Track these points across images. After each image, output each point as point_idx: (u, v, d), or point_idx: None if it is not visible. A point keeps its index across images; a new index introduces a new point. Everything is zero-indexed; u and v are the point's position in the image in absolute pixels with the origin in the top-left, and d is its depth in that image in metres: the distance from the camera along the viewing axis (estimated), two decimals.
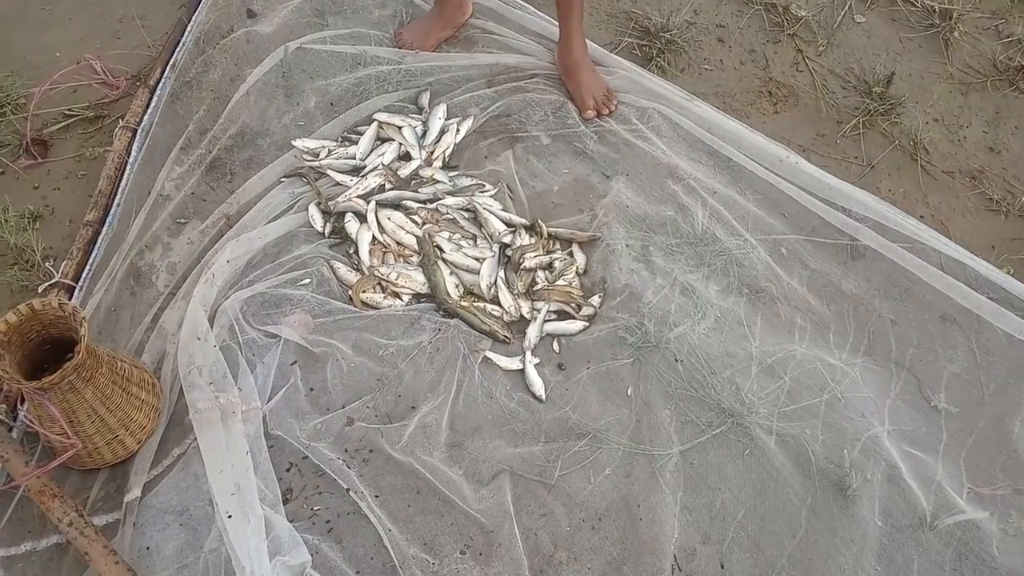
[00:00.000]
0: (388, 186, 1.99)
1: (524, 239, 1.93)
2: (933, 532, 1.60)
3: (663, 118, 2.15)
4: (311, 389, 1.68)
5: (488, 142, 2.11)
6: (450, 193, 1.99)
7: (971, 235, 2.07)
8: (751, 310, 1.85)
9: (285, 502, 1.53)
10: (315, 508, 1.54)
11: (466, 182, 2.02)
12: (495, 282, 1.86)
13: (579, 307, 1.85)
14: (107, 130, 2.09)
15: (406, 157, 2.07)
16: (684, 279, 1.86)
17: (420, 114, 2.13)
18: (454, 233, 1.94)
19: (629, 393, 1.72)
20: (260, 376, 1.66)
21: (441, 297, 1.82)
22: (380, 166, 2.01)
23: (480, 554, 1.51)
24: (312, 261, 1.84)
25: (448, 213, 1.96)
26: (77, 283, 1.79)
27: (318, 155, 2.03)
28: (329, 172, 2.00)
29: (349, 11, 2.32)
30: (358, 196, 1.95)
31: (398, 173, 2.02)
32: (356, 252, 1.89)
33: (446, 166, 2.07)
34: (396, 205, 1.97)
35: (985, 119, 2.32)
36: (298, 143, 2.03)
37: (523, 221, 1.96)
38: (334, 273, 1.85)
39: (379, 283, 1.84)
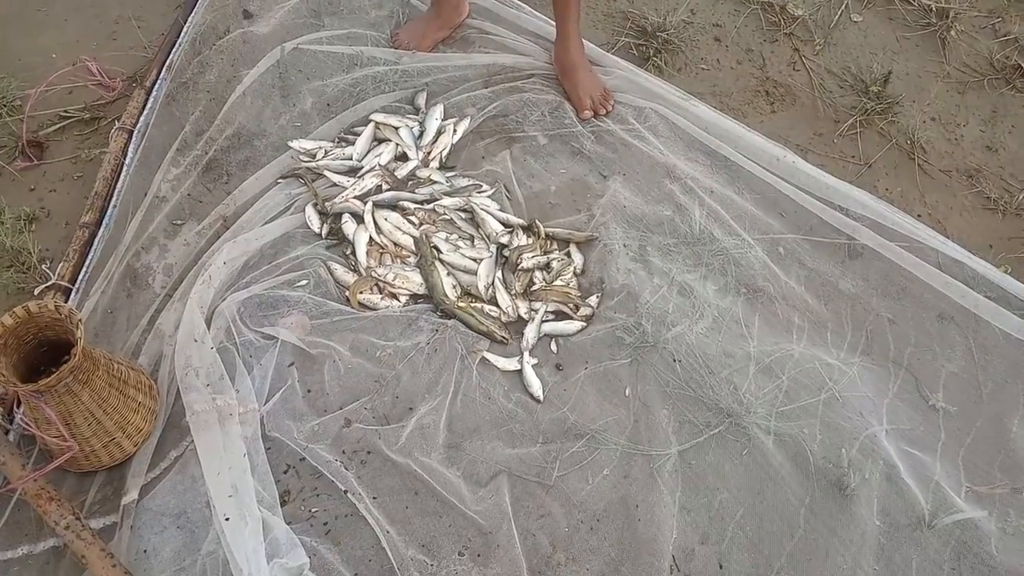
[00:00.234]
0: (385, 187, 1.99)
1: (521, 239, 1.92)
2: (931, 531, 1.60)
3: (660, 118, 2.15)
4: (308, 391, 1.68)
5: (485, 142, 2.11)
6: (447, 194, 1.99)
7: (968, 234, 2.07)
8: (749, 310, 1.85)
9: (283, 504, 1.53)
10: (313, 510, 1.54)
11: (463, 182, 2.02)
12: (493, 283, 1.85)
13: (577, 307, 1.85)
14: (103, 132, 2.09)
15: (403, 158, 2.06)
16: (682, 279, 1.86)
17: (417, 114, 2.13)
18: (451, 234, 1.94)
19: (627, 393, 1.72)
20: (257, 378, 1.66)
21: (439, 298, 1.82)
22: (377, 167, 2.01)
23: (478, 555, 1.51)
24: (309, 262, 1.84)
25: (445, 214, 1.96)
26: (74, 285, 1.79)
27: (315, 156, 2.02)
28: (326, 173, 2.00)
29: (345, 12, 2.32)
30: (355, 197, 1.95)
31: (395, 174, 2.01)
32: (353, 253, 1.88)
33: (443, 167, 2.06)
34: (393, 206, 1.96)
35: (982, 118, 2.32)
36: (295, 144, 2.03)
37: (520, 221, 1.95)
38: (331, 274, 1.85)
39: (376, 284, 1.84)
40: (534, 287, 1.87)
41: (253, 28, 2.24)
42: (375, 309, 1.81)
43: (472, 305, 1.82)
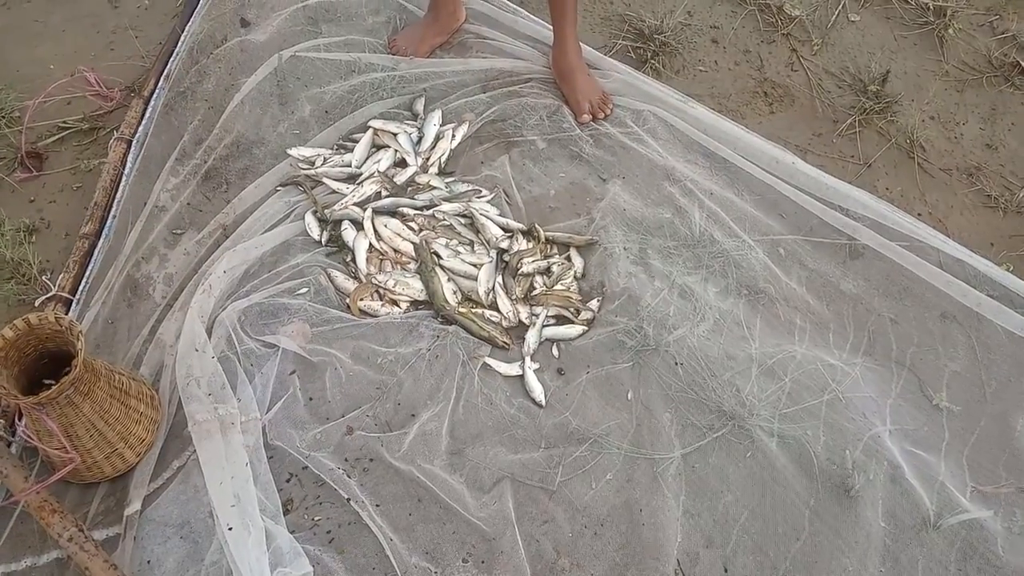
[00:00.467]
0: (384, 193, 1.99)
1: (521, 244, 1.92)
2: (937, 532, 1.59)
3: (659, 120, 2.14)
4: (310, 399, 1.68)
5: (484, 147, 2.11)
6: (446, 199, 1.99)
7: (969, 232, 2.07)
8: (750, 311, 1.84)
9: (286, 513, 1.52)
10: (316, 518, 1.54)
11: (462, 188, 2.02)
12: (493, 288, 1.85)
13: (578, 311, 1.85)
14: (102, 142, 2.09)
15: (402, 164, 2.06)
16: (682, 281, 1.86)
17: (415, 120, 2.13)
18: (451, 239, 1.94)
19: (629, 397, 1.71)
20: (259, 386, 1.65)
21: (439, 304, 1.82)
22: (376, 173, 2.01)
23: (482, 562, 1.50)
24: (309, 270, 1.84)
25: (445, 219, 1.96)
26: (74, 296, 1.79)
27: (314, 163, 2.03)
28: (325, 180, 2.00)
29: (343, 18, 2.32)
30: (354, 204, 1.95)
31: (394, 180, 2.01)
32: (353, 260, 1.88)
33: (442, 172, 2.06)
34: (393, 212, 1.96)
35: (981, 116, 2.32)
36: (293, 152, 2.03)
37: (520, 226, 1.95)
38: (331, 281, 1.84)
39: (377, 291, 1.84)
40: (535, 292, 1.87)
41: (251, 36, 2.24)
42: (376, 316, 1.80)
43: (473, 311, 1.82)
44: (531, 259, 1.89)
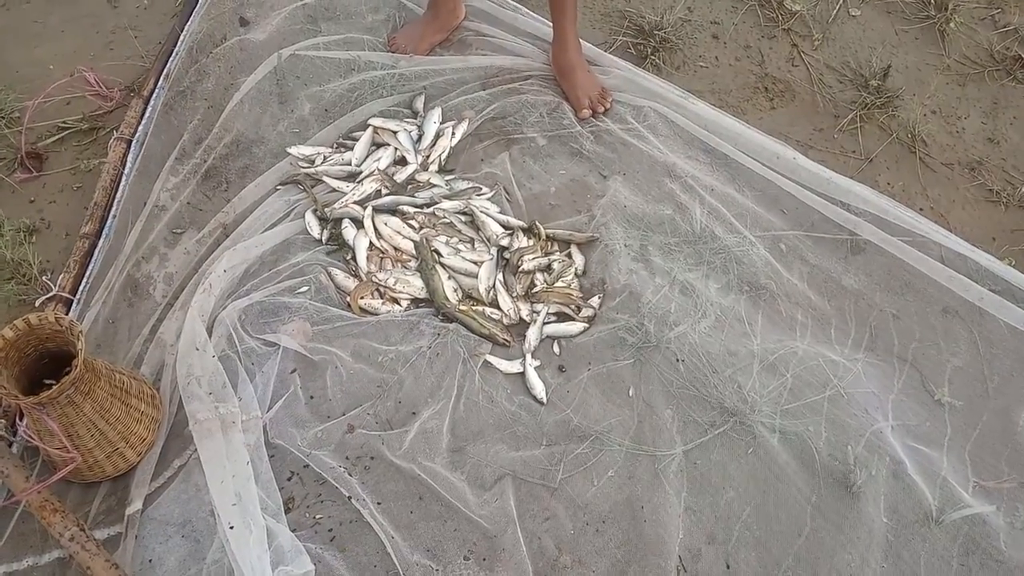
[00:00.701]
0: (384, 191, 1.99)
1: (522, 241, 1.92)
2: (939, 527, 1.59)
3: (659, 116, 2.14)
4: (311, 397, 1.68)
5: (484, 145, 2.10)
6: (447, 197, 1.98)
7: (971, 227, 2.06)
8: (751, 307, 1.84)
9: (287, 511, 1.53)
10: (317, 517, 1.54)
11: (463, 185, 2.01)
12: (494, 285, 1.85)
13: (579, 308, 1.84)
14: (102, 142, 2.09)
15: (402, 162, 2.06)
16: (683, 278, 1.86)
17: (415, 118, 2.12)
18: (452, 237, 1.93)
19: (631, 394, 1.71)
20: (260, 385, 1.65)
21: (440, 301, 1.81)
22: (376, 171, 2.01)
23: (484, 559, 1.50)
24: (310, 268, 1.84)
25: (445, 217, 1.96)
26: (75, 296, 1.79)
27: (313, 162, 2.02)
28: (325, 179, 2.00)
29: (342, 16, 2.32)
30: (354, 202, 1.94)
31: (394, 178, 2.01)
32: (354, 258, 1.88)
33: (442, 170, 2.06)
34: (393, 210, 1.96)
35: (983, 110, 2.31)
36: (293, 150, 2.03)
37: (521, 223, 1.95)
38: (332, 280, 1.84)
39: (377, 289, 1.84)
40: (535, 289, 1.87)
41: (250, 35, 2.24)
42: (376, 314, 1.80)
43: (474, 308, 1.82)
44: (532, 256, 1.89)
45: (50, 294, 1.77)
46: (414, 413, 1.66)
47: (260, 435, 1.59)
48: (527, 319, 1.82)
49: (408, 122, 2.10)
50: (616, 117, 2.15)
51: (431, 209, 1.97)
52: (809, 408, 1.70)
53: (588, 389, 1.72)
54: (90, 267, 1.84)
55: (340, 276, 1.85)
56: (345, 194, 1.96)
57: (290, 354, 1.71)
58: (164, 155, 2.02)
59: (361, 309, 1.81)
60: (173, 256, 1.87)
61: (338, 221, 1.93)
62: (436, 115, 2.09)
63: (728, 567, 1.54)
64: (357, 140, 2.07)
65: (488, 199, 1.99)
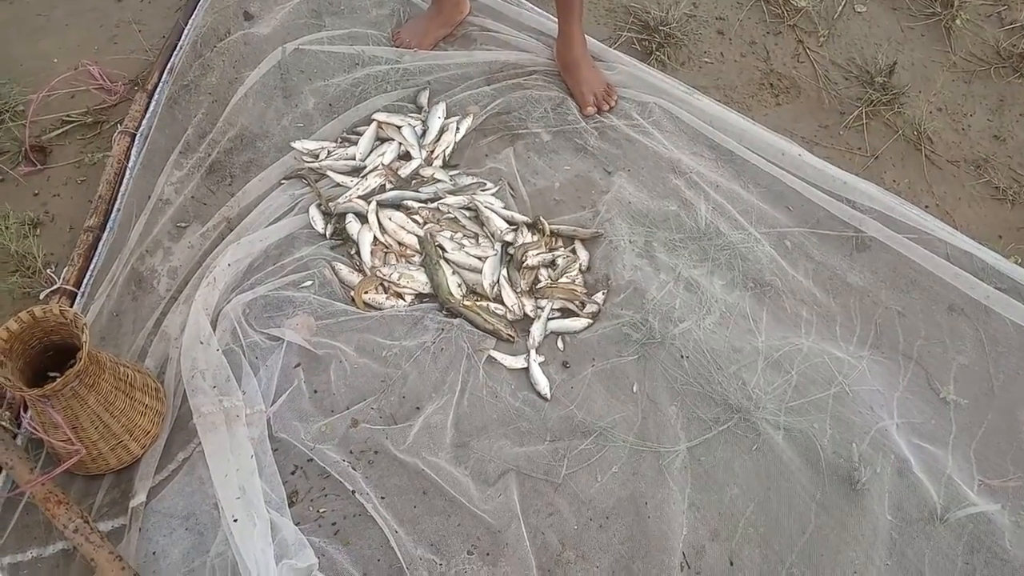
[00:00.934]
0: (389, 186, 1.98)
1: (526, 237, 1.91)
2: (944, 525, 1.58)
3: (664, 112, 2.13)
4: (315, 391, 1.67)
5: (488, 140, 2.10)
6: (451, 192, 1.98)
7: (977, 224, 2.05)
8: (756, 304, 1.83)
9: (291, 505, 1.53)
10: (321, 510, 1.54)
11: (467, 181, 2.01)
12: (498, 281, 1.85)
13: (583, 304, 1.84)
14: (106, 135, 2.09)
15: (406, 157, 2.06)
16: (688, 274, 1.85)
17: (419, 113, 2.12)
18: (456, 232, 1.93)
19: (635, 390, 1.71)
20: (263, 379, 1.65)
21: (444, 297, 1.81)
22: (380, 166, 2.00)
23: (487, 554, 1.50)
24: (314, 263, 1.84)
25: (449, 212, 1.95)
26: (79, 289, 1.79)
27: (318, 156, 2.02)
28: (329, 173, 1.99)
29: (346, 11, 2.31)
30: (359, 197, 1.94)
31: (398, 173, 2.01)
32: (358, 253, 1.88)
33: (446, 165, 2.05)
34: (397, 205, 1.96)
35: (989, 107, 2.30)
36: (297, 145, 2.02)
37: (525, 219, 1.95)
38: (336, 274, 1.84)
39: (381, 284, 1.84)
40: (539, 285, 1.86)
41: (254, 29, 2.24)
42: (380, 309, 1.80)
43: (478, 303, 1.82)
44: (536, 252, 1.88)
45: (54, 287, 1.77)
46: (418, 408, 1.66)
47: (264, 429, 1.59)
48: (531, 315, 1.82)
49: (412, 117, 2.10)
50: (621, 113, 2.14)
51: (435, 204, 1.96)
52: (814, 405, 1.69)
53: (592, 385, 1.71)
54: (94, 260, 1.84)
55: (344, 271, 1.85)
56: (349, 189, 1.96)
57: (294, 348, 1.71)
58: (168, 149, 2.02)
59: (365, 304, 1.80)
60: (177, 250, 1.87)
61: (342, 216, 1.93)
62: (440, 110, 2.09)
63: (732, 564, 1.53)
64: (361, 135, 2.06)
65: (492, 194, 1.99)
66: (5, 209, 1.93)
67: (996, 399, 1.75)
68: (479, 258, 1.87)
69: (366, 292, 1.81)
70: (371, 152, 2.05)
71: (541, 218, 1.94)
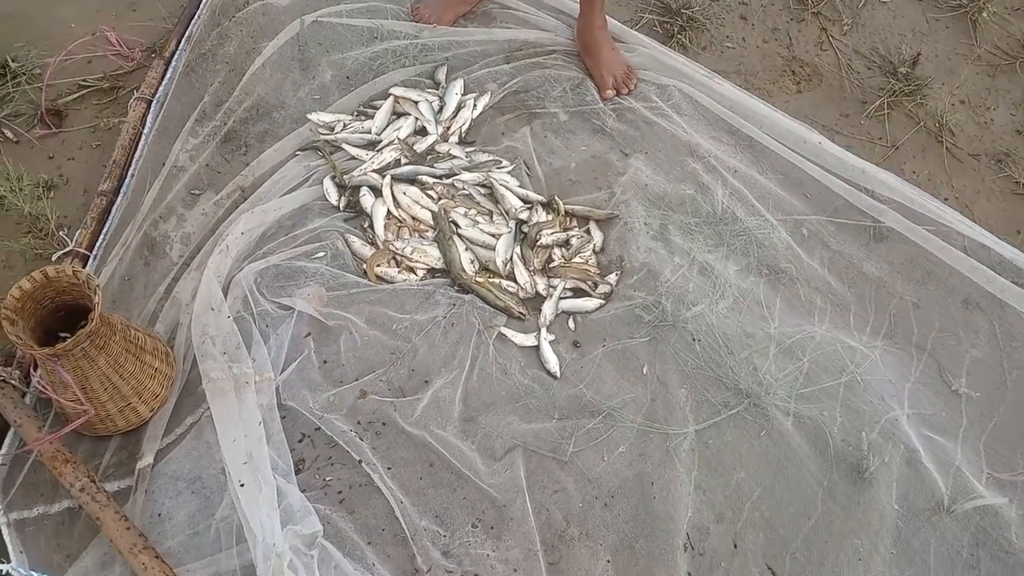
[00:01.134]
0: (404, 161, 1.97)
1: (541, 216, 1.90)
2: (951, 516, 1.57)
3: (684, 96, 2.11)
4: (324, 361, 1.67)
5: (505, 118, 2.09)
6: (466, 169, 1.97)
7: (996, 219, 2.03)
8: (770, 291, 1.82)
9: (297, 472, 1.52)
10: (327, 479, 1.54)
11: (483, 158, 2.00)
12: (511, 258, 1.84)
13: (595, 285, 1.83)
14: (122, 101, 2.08)
15: (422, 132, 2.04)
16: (703, 259, 1.84)
17: (437, 89, 2.11)
18: (470, 209, 1.92)
19: (645, 372, 1.70)
20: (274, 347, 1.65)
21: (456, 272, 1.80)
22: (396, 140, 1.99)
23: (492, 528, 1.50)
24: (327, 234, 1.83)
25: (464, 189, 1.94)
26: (91, 252, 1.79)
27: (333, 129, 2.01)
28: (344, 146, 1.99)
29: None
30: (373, 170, 1.93)
31: (414, 148, 2.00)
32: (371, 226, 1.87)
33: (462, 141, 2.04)
34: (412, 180, 1.95)
35: (1012, 101, 2.27)
36: (313, 116, 2.01)
37: (540, 198, 1.93)
38: (349, 247, 1.84)
39: (394, 257, 1.83)
40: (553, 264, 1.85)
41: (272, 0, 2.22)
42: (392, 282, 1.79)
43: (490, 280, 1.81)
44: (550, 231, 1.87)
45: (66, 249, 1.77)
46: (427, 381, 1.65)
47: (273, 396, 1.58)
48: (543, 293, 1.81)
49: (430, 92, 2.09)
50: (640, 95, 2.12)
51: (450, 180, 1.95)
52: (825, 393, 1.68)
53: (602, 365, 1.71)
54: (107, 224, 1.83)
55: (357, 243, 1.84)
56: (364, 162, 1.95)
57: (305, 318, 1.70)
58: (184, 116, 2.01)
59: (377, 277, 1.80)
60: (191, 217, 1.86)
61: (356, 189, 1.92)
62: (458, 86, 2.08)
63: (736, 546, 1.53)
64: (378, 109, 2.05)
65: (508, 172, 1.98)
66: (20, 171, 1.93)
67: (1008, 393, 1.74)
68: (493, 235, 1.86)
69: (378, 265, 1.81)
70: (387, 126, 2.04)
71: (556, 198, 1.92)
